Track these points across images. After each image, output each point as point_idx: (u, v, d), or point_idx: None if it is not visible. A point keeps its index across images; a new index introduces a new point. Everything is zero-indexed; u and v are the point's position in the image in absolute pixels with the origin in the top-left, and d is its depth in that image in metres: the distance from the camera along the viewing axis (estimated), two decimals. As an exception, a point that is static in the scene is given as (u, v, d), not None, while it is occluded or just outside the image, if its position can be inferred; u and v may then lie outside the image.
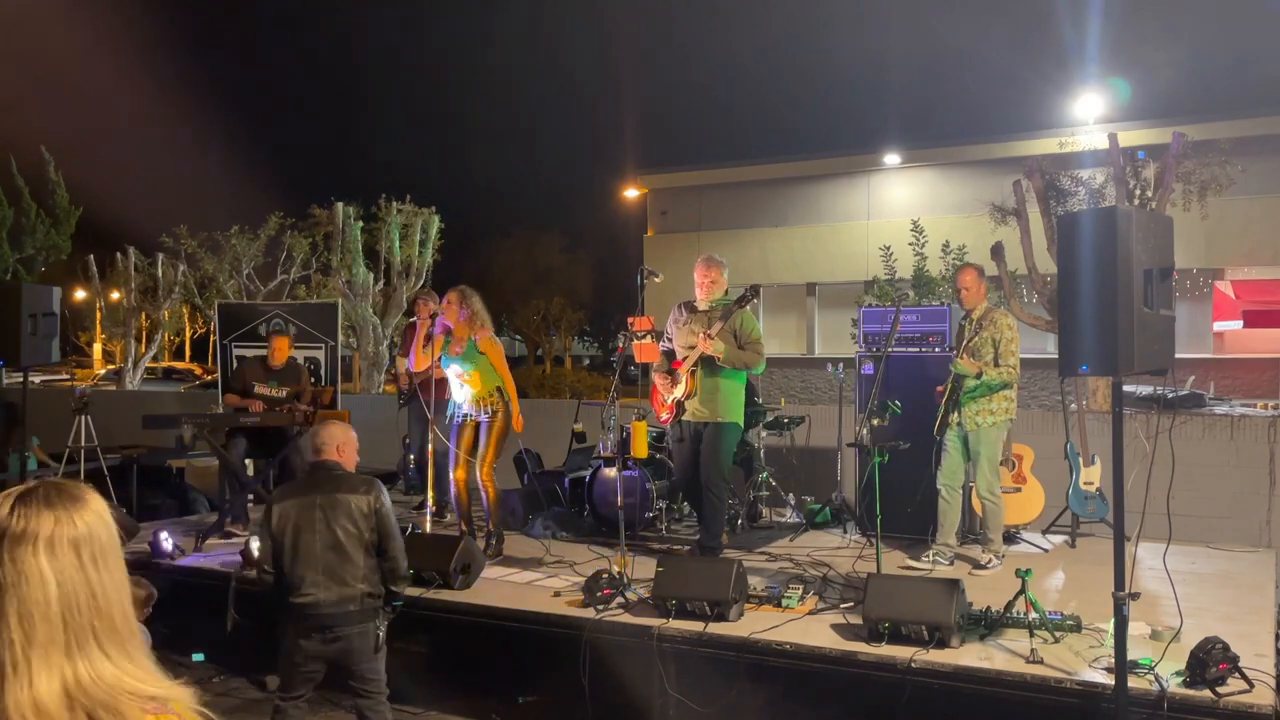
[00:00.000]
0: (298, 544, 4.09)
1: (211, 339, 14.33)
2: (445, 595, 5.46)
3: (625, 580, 5.30)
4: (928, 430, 6.13)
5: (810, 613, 5.01)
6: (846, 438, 7.65)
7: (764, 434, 7.85)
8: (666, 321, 6.48)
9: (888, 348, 6.29)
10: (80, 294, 29.76)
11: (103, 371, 31.43)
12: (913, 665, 4.30)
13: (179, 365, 40.45)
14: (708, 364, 6.02)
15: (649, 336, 6.23)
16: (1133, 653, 3.98)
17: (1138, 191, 11.72)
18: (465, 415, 6.41)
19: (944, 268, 13.77)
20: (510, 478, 7.71)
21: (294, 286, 20.65)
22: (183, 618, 5.70)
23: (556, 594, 5.49)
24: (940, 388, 6.05)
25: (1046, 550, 6.64)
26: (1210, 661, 3.90)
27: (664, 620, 4.85)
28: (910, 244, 14.22)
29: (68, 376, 30.76)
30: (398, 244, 17.78)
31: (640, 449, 6.40)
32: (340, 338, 10.56)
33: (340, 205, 17.73)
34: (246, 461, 7.76)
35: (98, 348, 31.72)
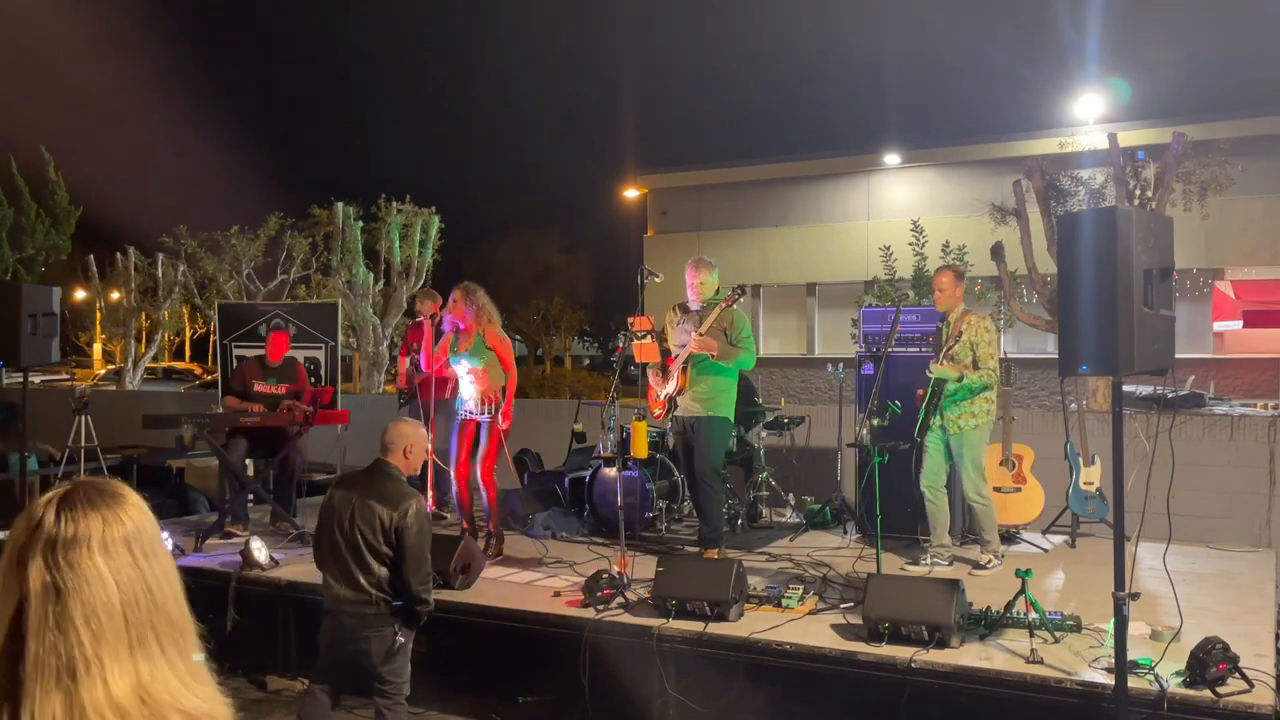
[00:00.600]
0: (326, 536, 4.17)
1: (211, 339, 14.33)
2: (445, 595, 5.45)
3: (625, 580, 5.30)
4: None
5: (810, 613, 5.01)
6: (846, 438, 7.65)
7: (764, 434, 7.85)
8: (663, 322, 6.54)
9: (888, 348, 6.29)
10: (80, 294, 29.75)
11: (103, 371, 31.45)
12: (913, 665, 4.30)
13: (179, 365, 40.47)
14: (699, 361, 6.09)
15: (649, 336, 6.25)
16: (1133, 653, 3.98)
17: (1138, 191, 11.72)
18: (468, 413, 6.41)
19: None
20: (510, 478, 7.70)
21: (294, 286, 20.65)
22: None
23: (556, 594, 5.48)
24: (920, 391, 6.04)
25: (1046, 550, 6.64)
26: (1210, 661, 3.90)
27: (664, 620, 4.85)
28: (910, 244, 14.24)
29: (68, 376, 30.75)
30: (398, 244, 17.78)
31: (640, 449, 6.41)
32: (340, 338, 10.56)
33: (340, 205, 17.74)
34: (246, 461, 7.75)
35: (98, 348, 31.74)
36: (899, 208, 21.77)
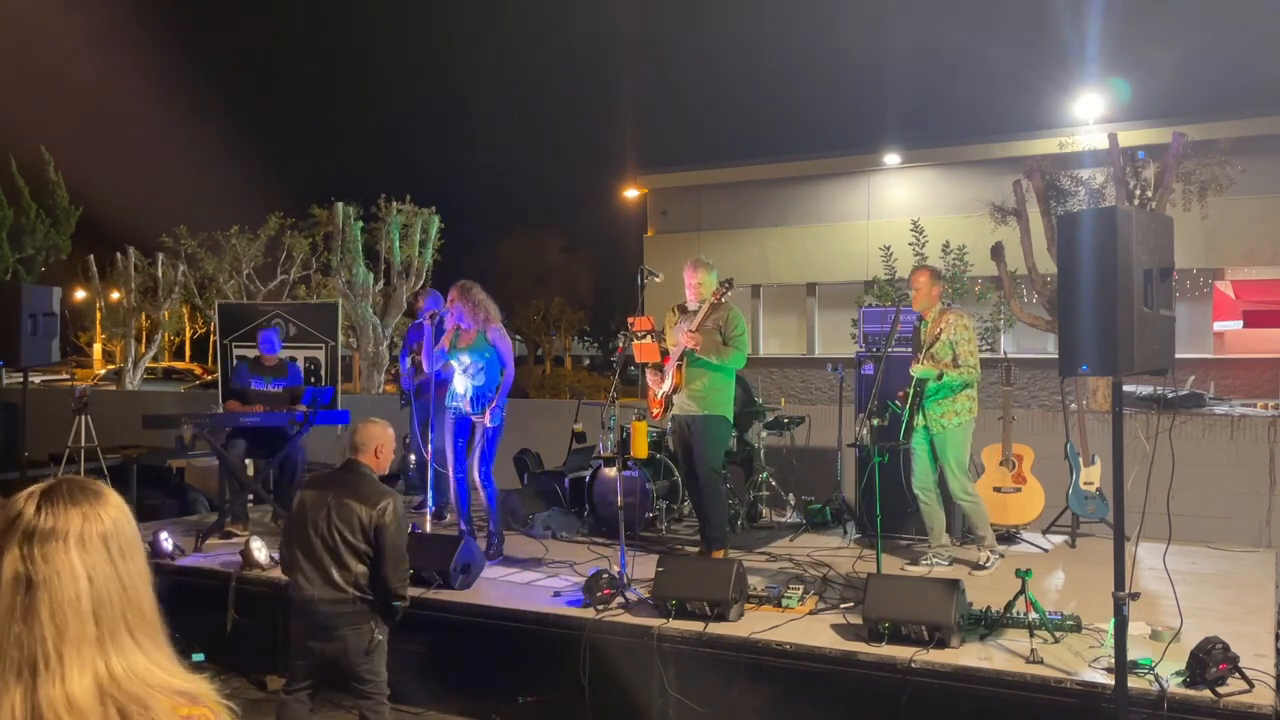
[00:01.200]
0: (300, 536, 4.13)
1: (211, 339, 14.33)
2: (445, 595, 5.46)
3: (625, 580, 5.30)
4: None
5: (810, 613, 5.02)
6: (846, 438, 7.65)
7: (764, 434, 7.85)
8: (663, 323, 6.54)
9: (888, 348, 6.28)
10: (80, 294, 29.75)
11: (103, 371, 31.44)
12: (913, 665, 4.30)
13: (179, 365, 40.48)
14: (693, 359, 6.09)
15: (649, 336, 6.24)
16: (1133, 653, 3.98)
17: (1138, 191, 11.72)
18: (458, 411, 6.38)
19: (944, 268, 13.77)
20: (510, 478, 7.71)
21: (294, 286, 20.65)
22: (183, 618, 5.69)
23: (556, 594, 5.49)
24: (901, 393, 6.04)
25: (1046, 550, 6.64)
26: (1210, 661, 3.90)
27: (664, 620, 4.85)
28: (910, 244, 14.23)
29: (68, 376, 30.74)
30: (398, 244, 17.78)
31: (640, 449, 6.41)
32: (340, 338, 10.56)
33: (340, 205, 17.73)
34: (246, 461, 7.76)
35: (98, 348, 31.73)
36: (899, 208, 21.76)
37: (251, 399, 7.47)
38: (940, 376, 5.90)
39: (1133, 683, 3.86)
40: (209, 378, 30.09)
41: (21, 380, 7.33)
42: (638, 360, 6.41)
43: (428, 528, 6.55)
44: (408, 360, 7.99)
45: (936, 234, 14.26)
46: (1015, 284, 12.58)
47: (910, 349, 6.26)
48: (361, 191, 20.67)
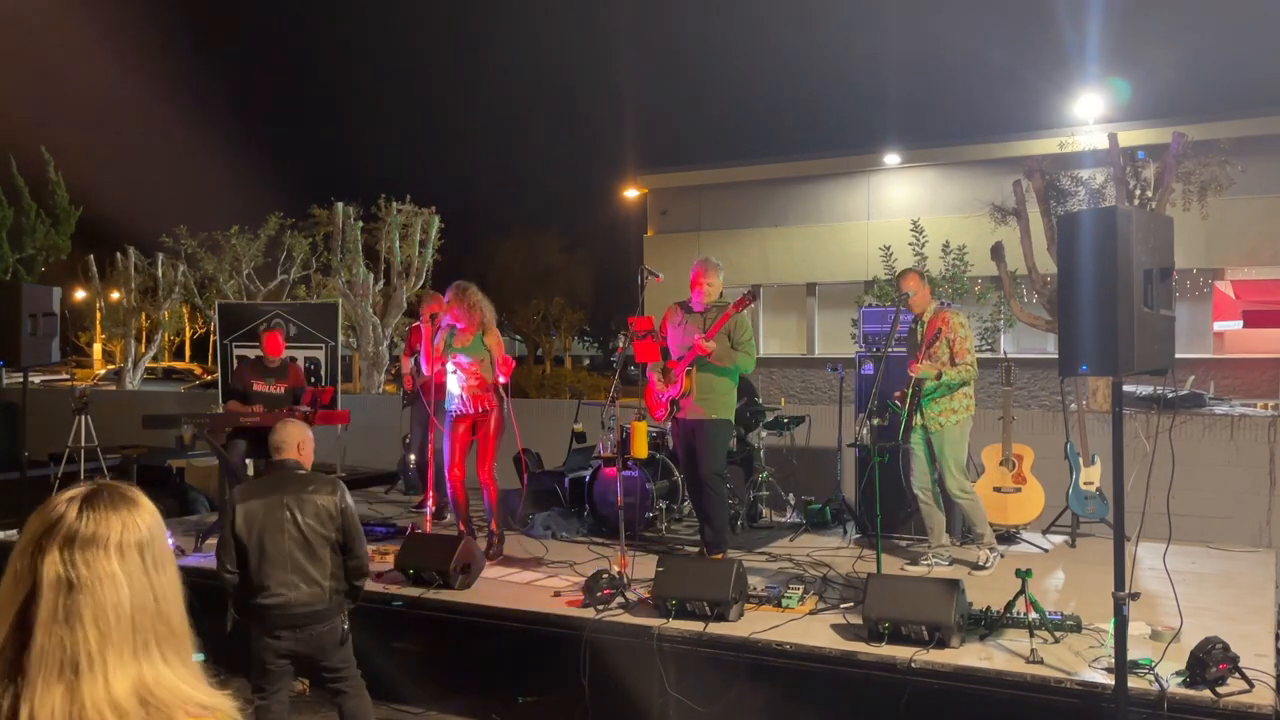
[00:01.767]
0: (265, 545, 4.08)
1: (211, 339, 14.33)
2: (445, 595, 5.46)
3: (625, 580, 5.30)
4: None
5: (810, 613, 5.01)
6: (846, 438, 7.65)
7: (764, 434, 7.85)
8: (661, 320, 6.48)
9: (888, 348, 6.28)
10: (80, 294, 29.75)
11: (103, 371, 31.45)
12: (913, 665, 4.30)
13: (179, 365, 40.47)
14: (704, 366, 6.07)
15: (649, 336, 6.23)
16: (1133, 653, 3.98)
17: (1138, 191, 11.72)
18: (457, 411, 6.38)
19: (944, 268, 13.79)
20: (510, 478, 7.71)
21: (294, 286, 20.65)
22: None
23: (556, 594, 5.49)
24: (899, 394, 6.04)
25: (1046, 550, 6.64)
26: (1210, 661, 3.90)
27: (664, 620, 4.85)
28: (910, 244, 14.23)
29: (68, 376, 30.76)
30: (398, 244, 17.78)
31: (640, 449, 6.40)
32: (340, 338, 10.56)
33: (340, 205, 17.73)
34: (246, 462, 7.75)
35: (98, 348, 31.72)
36: (899, 208, 21.76)
37: (253, 400, 7.47)
38: (939, 376, 5.91)
39: (1133, 683, 3.86)
40: (209, 378, 30.09)
41: (21, 380, 7.33)
42: (638, 360, 6.40)
43: (428, 528, 6.55)
44: (410, 361, 8.00)
45: (936, 234, 14.26)
46: (1015, 284, 12.59)
47: (909, 349, 6.26)
48: (361, 191, 20.68)
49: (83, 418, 9.50)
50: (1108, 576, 3.85)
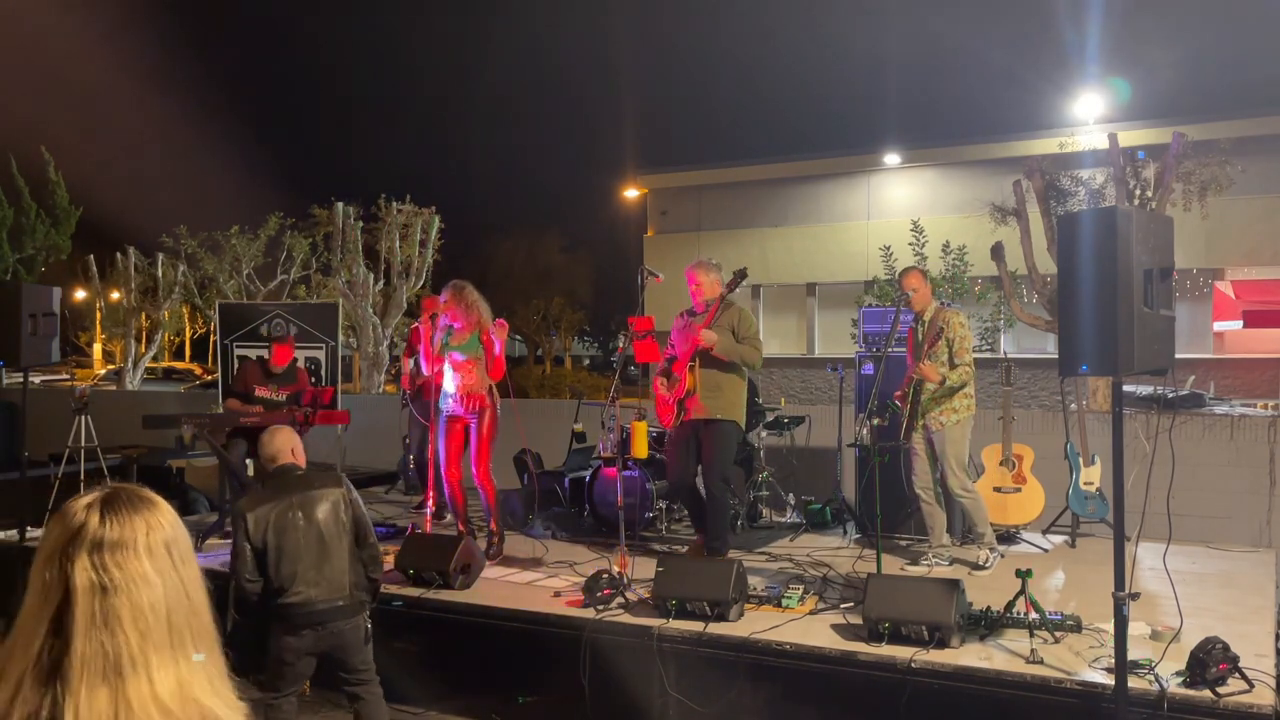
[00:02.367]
0: (283, 546, 4.11)
1: (212, 339, 14.32)
2: (445, 595, 5.46)
3: (625, 580, 5.30)
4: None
5: (810, 613, 5.02)
6: (846, 438, 7.65)
7: (764, 434, 7.84)
8: (671, 330, 6.40)
9: (888, 348, 6.28)
10: (80, 294, 29.77)
11: (103, 371, 31.43)
12: (913, 665, 4.30)
13: (179, 365, 40.45)
14: (707, 362, 5.98)
15: (649, 336, 6.21)
16: (1133, 653, 3.98)
17: (1138, 191, 11.72)
18: (452, 411, 6.37)
19: (944, 268, 13.79)
20: (510, 478, 7.71)
21: (294, 286, 20.66)
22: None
23: (556, 594, 5.49)
24: (898, 393, 6.04)
25: (1046, 550, 6.64)
26: (1210, 661, 3.90)
27: (664, 620, 4.85)
28: (910, 244, 14.24)
29: (68, 376, 30.75)
30: (398, 244, 17.78)
31: (640, 449, 6.39)
32: (340, 338, 10.56)
33: (340, 205, 17.73)
34: (246, 462, 7.75)
35: (98, 348, 31.72)
36: (899, 208, 21.76)
37: (253, 403, 7.46)
38: (942, 382, 5.90)
39: (1133, 683, 3.86)
40: (209, 378, 30.08)
41: (21, 380, 7.33)
42: (638, 360, 6.37)
43: (428, 528, 6.55)
44: (411, 361, 8.00)
45: (936, 234, 14.26)
46: (1015, 284, 12.59)
47: (910, 348, 6.25)
48: (361, 191, 20.71)
49: (83, 418, 9.49)
50: (1108, 576, 3.85)
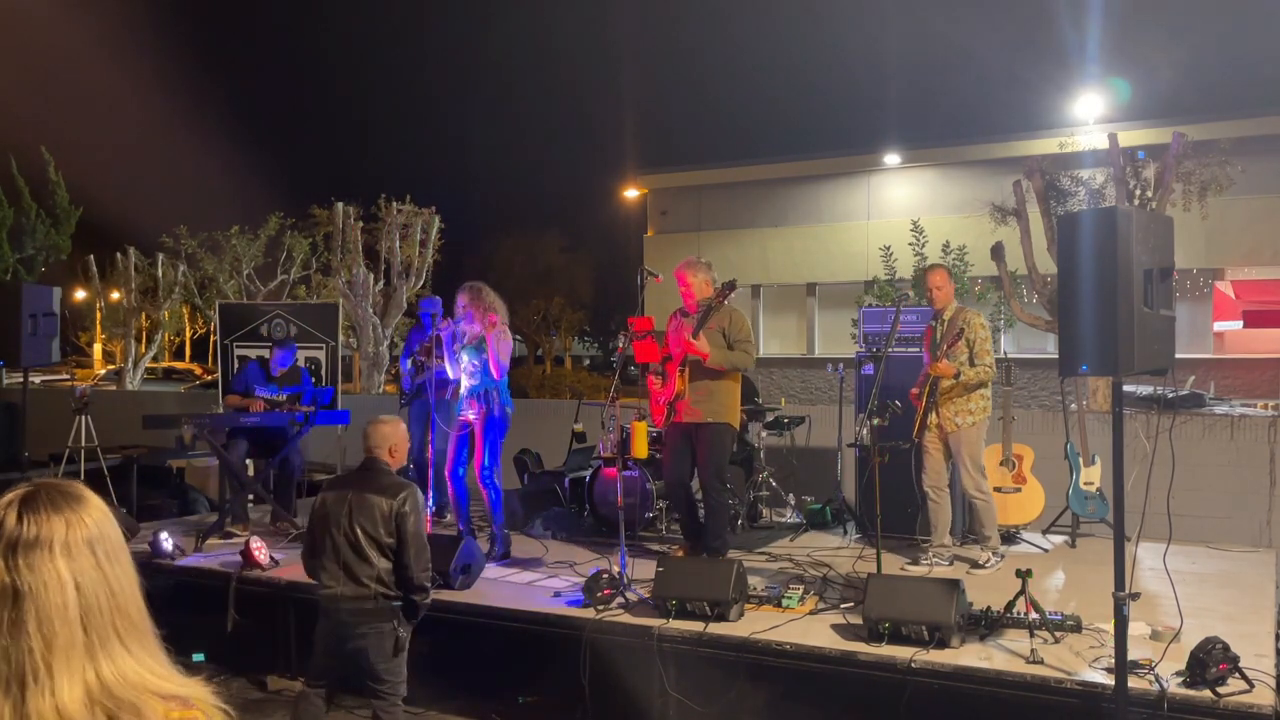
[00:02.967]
0: (323, 536, 4.22)
1: (212, 339, 14.33)
2: (445, 595, 5.46)
3: (625, 580, 5.30)
4: (928, 430, 6.12)
5: (810, 613, 5.01)
6: (846, 438, 7.65)
7: (764, 434, 7.84)
8: (667, 329, 6.41)
9: (888, 348, 6.28)
10: (80, 294, 29.77)
11: (103, 371, 31.45)
12: (913, 665, 4.30)
13: (179, 365, 40.45)
14: (697, 364, 5.96)
15: (649, 336, 6.20)
16: (1133, 653, 3.98)
17: (1138, 191, 11.73)
18: (461, 412, 6.37)
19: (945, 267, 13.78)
20: (510, 478, 7.71)
21: (294, 286, 20.67)
22: (183, 618, 5.70)
23: (556, 594, 5.49)
24: (914, 390, 6.04)
25: (1046, 550, 6.64)
26: (1210, 661, 3.90)
27: (664, 620, 4.85)
28: (910, 244, 14.24)
29: (68, 376, 30.73)
30: (398, 244, 17.78)
31: (640, 449, 6.39)
32: (340, 338, 10.57)
33: (340, 205, 17.74)
34: (247, 462, 7.76)
35: (98, 348, 31.75)
36: (899, 208, 21.77)
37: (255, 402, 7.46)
38: (957, 375, 5.90)
39: (1133, 683, 3.86)
40: (209, 378, 30.08)
41: (21, 380, 7.33)
42: (638, 360, 6.37)
43: (427, 528, 6.54)
44: (408, 361, 7.99)
45: (936, 234, 14.27)
46: (1015, 284, 12.59)
47: (909, 348, 6.27)
48: (361, 191, 20.71)
49: (83, 418, 9.50)
50: (1108, 576, 3.84)
